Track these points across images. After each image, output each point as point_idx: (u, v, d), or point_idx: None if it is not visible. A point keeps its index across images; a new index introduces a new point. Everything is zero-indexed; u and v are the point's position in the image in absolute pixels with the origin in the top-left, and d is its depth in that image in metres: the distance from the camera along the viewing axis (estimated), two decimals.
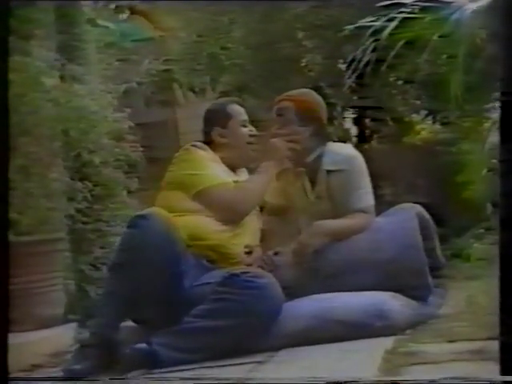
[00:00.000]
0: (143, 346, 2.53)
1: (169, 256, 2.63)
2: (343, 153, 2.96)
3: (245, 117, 3.05)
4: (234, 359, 2.48)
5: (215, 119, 3.04)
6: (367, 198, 2.90)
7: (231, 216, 2.84)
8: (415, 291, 2.80)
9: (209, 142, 3.01)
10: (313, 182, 2.94)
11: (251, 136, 3.02)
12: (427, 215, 2.93)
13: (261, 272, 2.64)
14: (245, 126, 3.03)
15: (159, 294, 2.63)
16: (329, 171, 2.91)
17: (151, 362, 2.50)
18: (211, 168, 2.89)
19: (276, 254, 2.88)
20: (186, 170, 2.88)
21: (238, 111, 3.05)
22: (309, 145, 2.95)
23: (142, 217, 2.66)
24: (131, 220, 2.71)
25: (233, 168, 3.00)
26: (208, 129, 3.04)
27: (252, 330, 2.56)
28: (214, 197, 2.83)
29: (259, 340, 2.57)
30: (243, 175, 3.05)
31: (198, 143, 2.98)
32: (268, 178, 2.92)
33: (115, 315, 2.63)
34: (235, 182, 2.92)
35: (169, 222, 2.67)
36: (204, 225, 2.80)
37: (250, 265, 2.77)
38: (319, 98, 3.04)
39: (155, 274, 2.60)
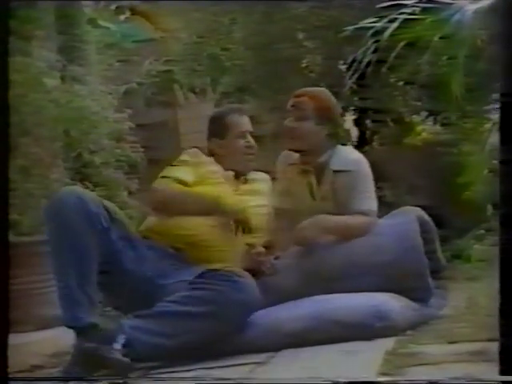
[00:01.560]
0: (117, 345, 2.47)
1: (88, 234, 2.55)
2: (351, 155, 2.99)
3: (244, 128, 3.03)
4: (234, 359, 2.48)
5: (214, 130, 3.06)
6: (370, 203, 2.90)
7: (153, 205, 2.87)
8: (416, 294, 2.80)
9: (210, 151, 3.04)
10: (319, 183, 2.95)
11: (248, 147, 3.01)
12: (428, 218, 2.93)
13: (240, 270, 2.63)
14: (243, 138, 3.01)
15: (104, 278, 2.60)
16: (335, 171, 2.92)
17: (130, 352, 2.45)
18: (175, 169, 2.90)
19: (276, 258, 2.88)
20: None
21: (237, 122, 3.03)
22: (322, 145, 2.96)
23: (56, 198, 2.61)
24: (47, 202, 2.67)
25: (236, 175, 3.00)
26: (208, 138, 3.07)
27: (227, 320, 2.55)
28: (152, 190, 2.85)
29: (236, 334, 2.57)
30: (258, 180, 3.07)
31: (192, 150, 2.99)
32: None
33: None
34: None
35: (84, 196, 2.60)
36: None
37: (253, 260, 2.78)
38: (334, 99, 3.05)
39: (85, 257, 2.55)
